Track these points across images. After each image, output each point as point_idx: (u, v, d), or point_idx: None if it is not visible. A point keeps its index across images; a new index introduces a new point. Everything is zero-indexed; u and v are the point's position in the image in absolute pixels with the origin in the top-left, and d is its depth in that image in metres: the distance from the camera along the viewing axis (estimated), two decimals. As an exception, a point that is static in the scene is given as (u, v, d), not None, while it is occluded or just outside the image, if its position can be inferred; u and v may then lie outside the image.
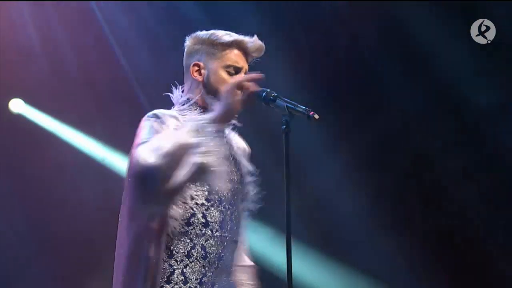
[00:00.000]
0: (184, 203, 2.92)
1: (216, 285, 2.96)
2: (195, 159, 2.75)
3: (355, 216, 6.13)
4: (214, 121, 2.83)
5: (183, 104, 3.09)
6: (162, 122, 2.93)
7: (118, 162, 6.29)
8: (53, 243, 6.21)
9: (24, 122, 6.26)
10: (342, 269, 6.17)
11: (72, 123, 6.28)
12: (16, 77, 6.14)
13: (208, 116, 2.85)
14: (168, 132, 2.83)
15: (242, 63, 3.09)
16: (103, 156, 6.30)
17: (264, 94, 3.01)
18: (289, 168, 2.90)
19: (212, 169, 2.79)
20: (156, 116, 2.95)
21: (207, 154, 2.77)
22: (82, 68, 6.14)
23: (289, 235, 2.86)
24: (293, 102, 2.96)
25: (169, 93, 3.15)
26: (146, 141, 2.80)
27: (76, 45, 6.14)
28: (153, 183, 2.77)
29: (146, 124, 2.94)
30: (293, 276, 2.86)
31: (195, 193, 2.94)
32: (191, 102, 3.07)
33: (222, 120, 2.86)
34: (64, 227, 6.19)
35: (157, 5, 6.17)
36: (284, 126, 2.92)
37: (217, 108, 2.87)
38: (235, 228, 3.04)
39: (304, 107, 2.94)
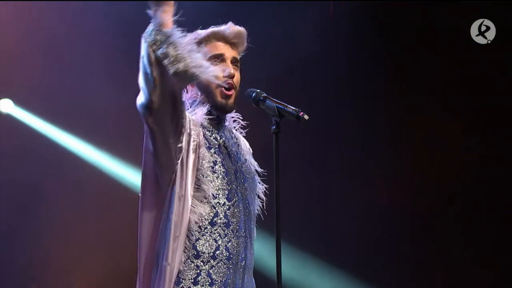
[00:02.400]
0: (207, 201, 2.93)
1: (240, 286, 2.97)
2: (168, 73, 2.75)
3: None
4: (160, 26, 2.78)
5: (191, 106, 3.11)
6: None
7: (105, 161, 6.29)
8: (37, 243, 6.19)
9: (13, 122, 6.24)
10: (336, 272, 6.15)
11: (61, 124, 6.25)
12: (5, 78, 6.12)
13: (151, 27, 2.80)
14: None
15: (224, 51, 3.11)
16: None
17: (254, 94, 3.02)
18: (278, 169, 2.89)
19: (188, 70, 2.77)
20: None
21: (176, 61, 2.75)
22: (72, 69, 6.11)
23: (279, 235, 2.85)
24: (283, 103, 2.96)
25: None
26: None
27: (67, 45, 6.12)
28: (149, 110, 2.81)
29: None
30: (283, 278, 2.85)
31: (216, 191, 2.96)
32: (196, 102, 3.09)
33: (163, 19, 2.79)
34: (50, 227, 6.18)
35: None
36: (274, 127, 2.92)
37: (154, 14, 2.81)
38: (252, 227, 3.06)
39: (293, 108, 2.94)
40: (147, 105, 2.78)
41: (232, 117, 3.18)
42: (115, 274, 6.07)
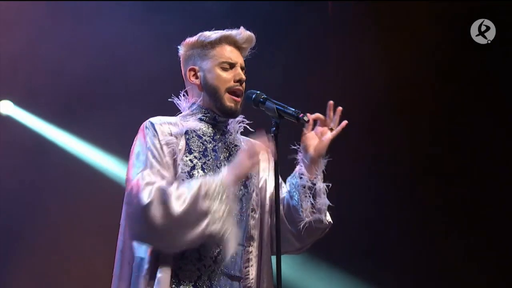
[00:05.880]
0: None
1: None
2: (206, 228, 2.74)
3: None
4: (226, 183, 2.81)
5: (188, 109, 3.09)
6: (155, 136, 2.93)
7: (106, 163, 6.30)
8: (37, 243, 6.21)
9: (13, 124, 6.25)
10: (336, 272, 6.16)
11: (61, 125, 6.27)
12: (5, 79, 6.14)
13: (219, 177, 2.82)
14: (180, 189, 2.77)
15: (235, 57, 3.09)
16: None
17: (254, 96, 3.01)
18: (278, 170, 2.91)
19: (221, 235, 2.78)
20: (150, 125, 2.96)
21: (219, 221, 2.76)
22: (73, 70, 6.12)
23: (278, 236, 2.82)
24: (283, 104, 2.95)
25: (174, 100, 3.13)
26: (150, 182, 2.77)
27: (67, 46, 6.12)
28: (156, 242, 2.79)
29: (141, 135, 2.95)
30: (283, 278, 2.84)
31: None
32: (195, 106, 3.07)
33: (234, 182, 2.84)
34: (50, 227, 6.20)
35: (155, 5, 6.16)
36: (274, 128, 2.91)
37: (229, 169, 2.85)
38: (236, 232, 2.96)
39: (293, 109, 2.93)
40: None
41: (238, 121, 3.15)
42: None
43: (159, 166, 2.86)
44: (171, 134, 2.95)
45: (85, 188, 6.16)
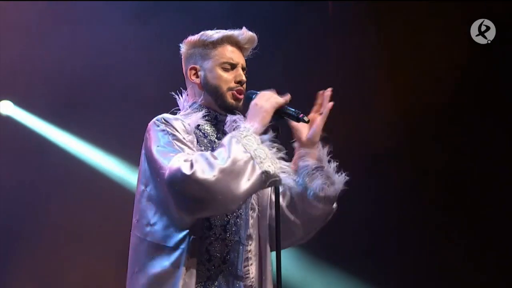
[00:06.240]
0: None
1: None
2: (258, 167, 2.73)
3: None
4: (254, 131, 2.82)
5: (189, 108, 3.08)
6: (175, 129, 2.90)
7: (106, 163, 6.30)
8: (37, 244, 6.21)
9: (13, 124, 6.25)
10: (336, 272, 6.16)
11: (62, 125, 6.27)
12: (5, 79, 6.14)
13: (245, 129, 2.82)
14: (216, 151, 2.76)
15: (237, 58, 3.08)
16: None
17: (254, 96, 3.02)
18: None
19: (276, 172, 2.77)
20: (165, 121, 2.92)
21: (266, 161, 2.75)
22: (73, 70, 6.12)
23: (278, 236, 2.83)
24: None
25: (177, 98, 3.13)
26: (188, 159, 2.72)
27: (68, 47, 6.12)
28: (215, 203, 2.70)
29: (158, 129, 2.91)
30: (283, 278, 2.84)
31: None
32: (196, 105, 3.06)
33: (261, 128, 2.85)
34: (51, 228, 6.19)
35: (154, 7, 6.17)
36: (274, 128, 2.89)
37: (251, 119, 2.87)
38: (240, 231, 2.98)
39: (294, 110, 2.95)
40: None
41: (233, 120, 3.09)
42: (120, 274, 6.09)
43: (188, 150, 2.84)
44: (186, 131, 2.92)
45: (85, 188, 6.16)
